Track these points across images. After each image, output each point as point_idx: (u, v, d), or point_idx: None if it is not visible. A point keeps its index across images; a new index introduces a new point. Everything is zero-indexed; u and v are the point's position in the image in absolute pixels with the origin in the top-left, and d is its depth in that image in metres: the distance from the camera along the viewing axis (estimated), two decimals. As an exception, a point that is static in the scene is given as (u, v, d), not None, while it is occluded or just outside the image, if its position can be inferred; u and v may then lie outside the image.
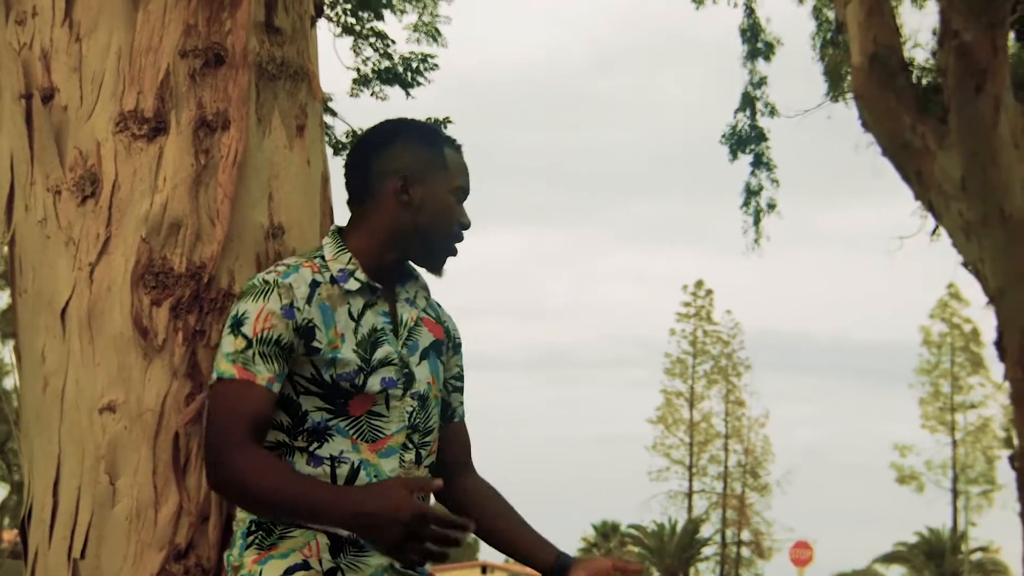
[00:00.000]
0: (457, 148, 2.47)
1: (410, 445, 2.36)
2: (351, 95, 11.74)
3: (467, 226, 2.42)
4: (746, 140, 14.45)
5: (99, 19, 2.66)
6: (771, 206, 14.60)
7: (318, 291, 2.32)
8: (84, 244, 2.56)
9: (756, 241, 14.83)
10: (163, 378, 2.50)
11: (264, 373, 2.24)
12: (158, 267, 2.54)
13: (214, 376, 2.29)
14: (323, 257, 2.39)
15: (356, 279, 2.36)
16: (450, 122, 11.68)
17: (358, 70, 11.67)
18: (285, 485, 2.18)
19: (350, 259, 2.37)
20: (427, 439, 2.41)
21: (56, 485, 2.52)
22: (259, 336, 2.25)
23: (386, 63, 11.50)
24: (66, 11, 2.66)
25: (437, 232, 2.40)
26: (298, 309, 2.28)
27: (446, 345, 2.53)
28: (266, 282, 2.30)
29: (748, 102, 14.57)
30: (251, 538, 2.30)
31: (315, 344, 2.29)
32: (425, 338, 2.45)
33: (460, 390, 2.60)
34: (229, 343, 2.28)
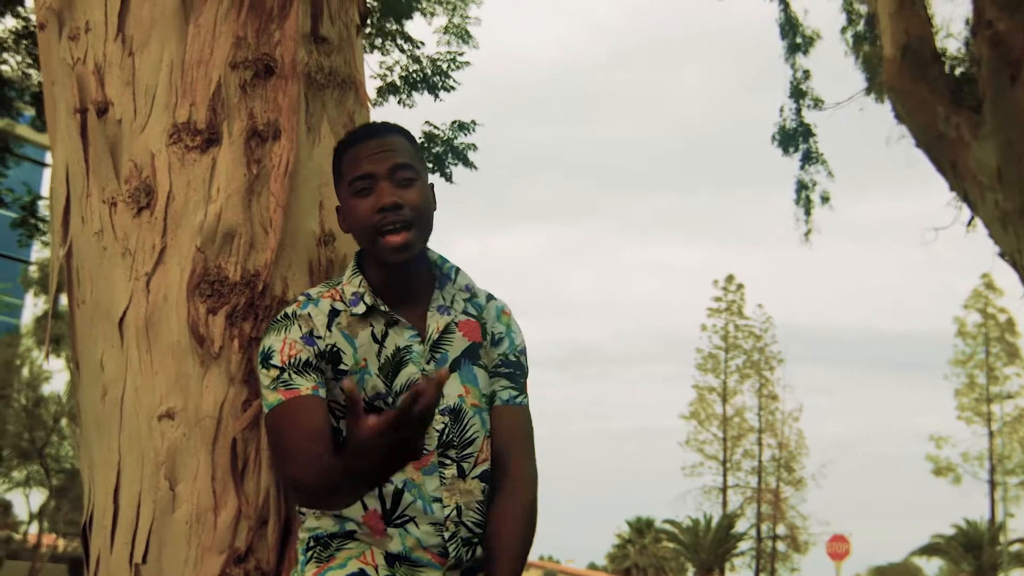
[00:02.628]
0: (354, 140, 2.40)
1: (448, 461, 2.35)
2: (374, 104, 11.75)
3: (386, 206, 2.30)
4: (794, 136, 14.39)
5: (151, 33, 2.70)
6: (824, 198, 14.53)
7: (337, 320, 2.33)
8: (140, 254, 2.61)
9: (807, 235, 14.76)
10: (220, 385, 2.54)
11: (306, 384, 2.26)
12: (213, 276, 2.58)
13: (265, 409, 2.30)
14: (341, 283, 2.40)
15: (364, 302, 2.36)
16: (476, 124, 11.69)
17: (383, 77, 11.68)
18: (336, 475, 2.05)
19: (361, 282, 2.38)
20: (468, 451, 2.37)
21: (116, 492, 2.56)
22: (288, 362, 2.28)
23: (415, 67, 11.50)
24: (119, 26, 2.71)
25: (361, 235, 2.36)
26: (319, 337, 2.30)
27: (485, 346, 2.47)
28: (286, 315, 2.33)
29: (798, 96, 14.49)
30: (310, 553, 2.33)
31: (342, 367, 2.30)
32: (457, 346, 2.41)
33: (507, 376, 2.48)
34: (265, 377, 2.30)
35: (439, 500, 2.32)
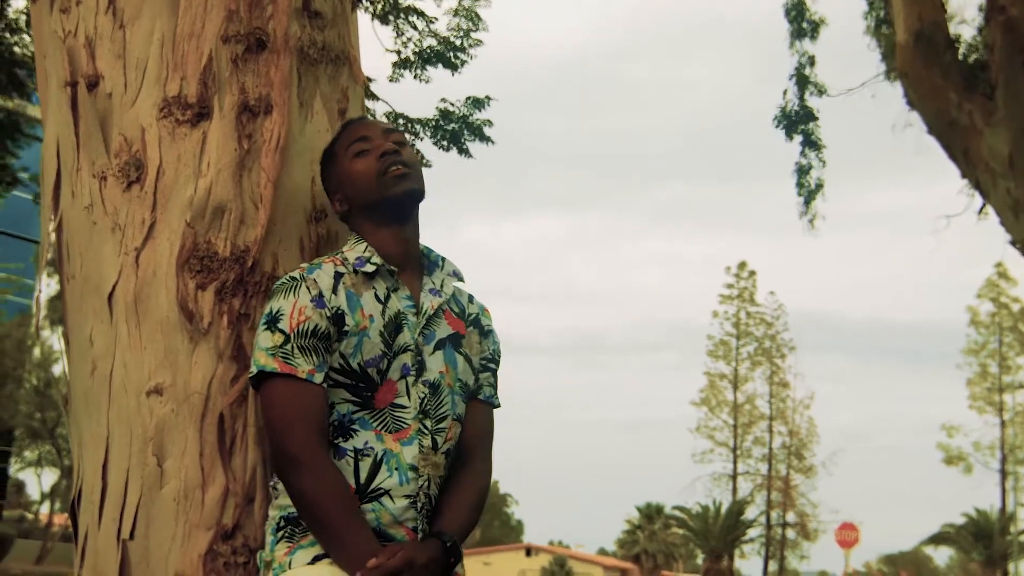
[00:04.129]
0: (352, 122, 2.62)
1: (425, 431, 2.41)
2: (391, 79, 11.72)
3: (387, 151, 2.49)
4: (797, 120, 14.31)
5: (142, 6, 2.68)
6: (819, 186, 14.45)
7: (342, 280, 2.41)
8: (130, 229, 2.59)
9: (811, 222, 14.67)
10: (209, 361, 2.53)
11: (304, 366, 2.32)
12: (203, 251, 2.56)
13: (253, 369, 2.35)
14: (342, 252, 2.49)
15: (372, 263, 2.45)
16: (490, 100, 11.66)
17: (398, 52, 11.65)
18: (328, 511, 2.26)
19: (366, 247, 2.48)
20: (441, 425, 2.44)
21: (105, 467, 2.55)
22: (296, 330, 2.33)
23: (429, 41, 11.46)
24: (110, -1, 2.68)
25: (366, 191, 2.49)
26: (327, 298, 2.37)
27: (468, 337, 2.56)
28: (293, 279, 2.39)
29: (802, 81, 14.40)
30: (280, 533, 2.36)
31: (345, 328, 2.37)
32: (443, 330, 2.50)
33: (491, 371, 2.61)
34: (267, 338, 2.35)
35: (415, 469, 2.37)
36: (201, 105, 2.62)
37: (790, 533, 56.51)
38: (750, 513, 56.18)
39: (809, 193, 14.44)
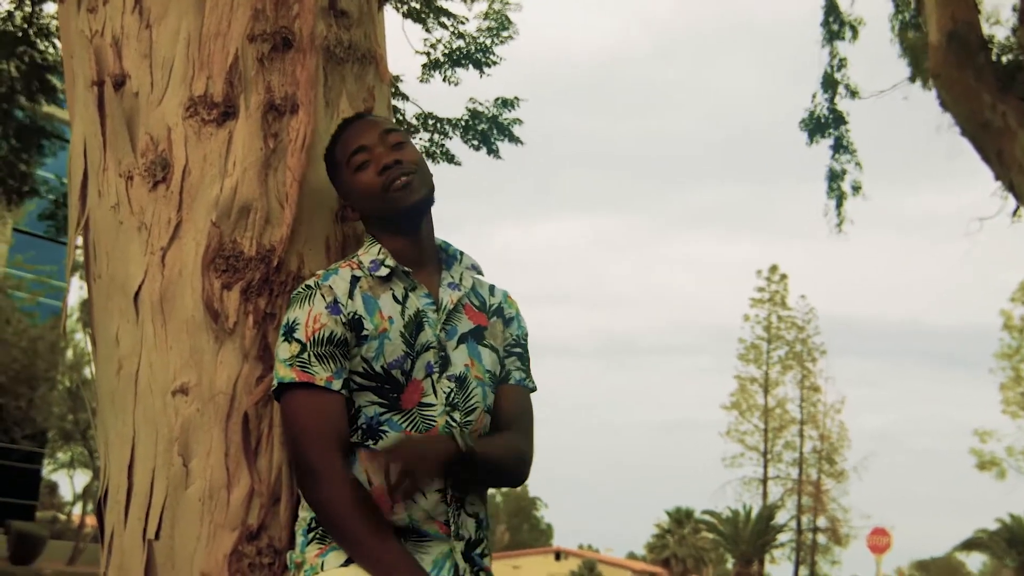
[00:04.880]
0: (343, 126, 2.55)
1: (453, 424, 2.39)
2: (421, 80, 11.72)
3: (387, 164, 2.44)
4: (825, 124, 14.21)
5: (169, 5, 2.68)
6: (855, 188, 14.34)
7: (358, 284, 2.40)
8: (156, 229, 2.59)
9: (839, 225, 14.59)
10: (234, 361, 2.52)
11: (322, 373, 2.32)
12: (228, 251, 2.55)
13: (275, 383, 2.36)
14: (358, 255, 2.49)
15: (386, 265, 2.44)
16: (519, 100, 11.65)
17: (428, 54, 11.65)
18: (352, 524, 2.25)
19: (380, 250, 2.47)
20: (469, 418, 2.42)
21: (131, 467, 2.55)
22: (312, 338, 2.33)
23: (459, 43, 11.46)
24: (136, -2, 2.68)
25: (373, 206, 2.48)
26: (342, 304, 2.36)
27: (491, 328, 2.54)
28: (308, 287, 2.40)
29: (831, 84, 14.31)
30: (311, 534, 2.36)
31: (364, 332, 2.36)
32: (464, 324, 2.49)
33: (516, 356, 2.58)
34: (285, 350, 2.36)
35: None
36: (227, 104, 2.61)
37: (821, 538, 56.18)
38: (780, 518, 55.93)
39: (839, 196, 14.34)
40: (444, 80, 11.48)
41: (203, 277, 2.55)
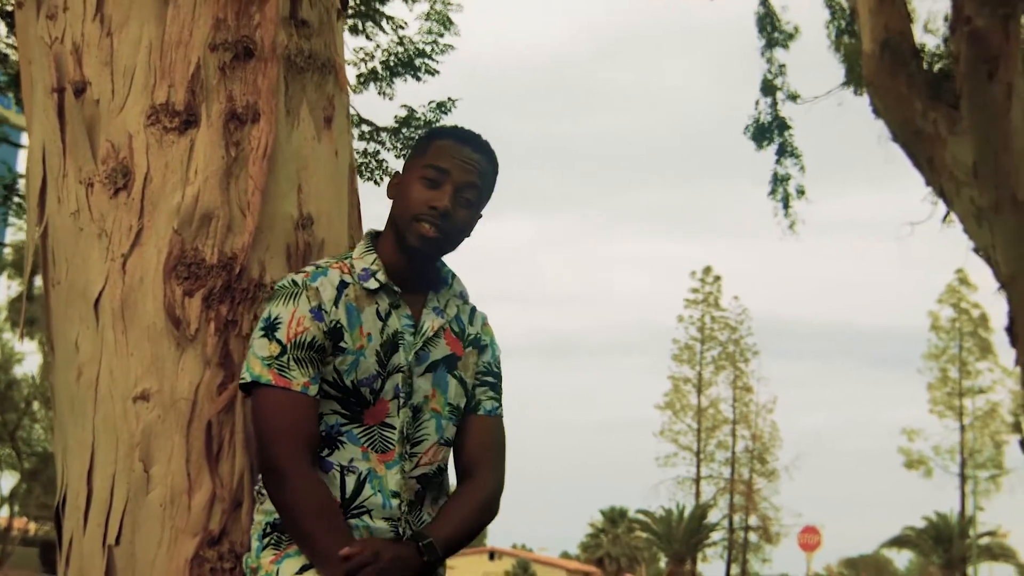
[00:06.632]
0: (455, 136, 2.48)
1: (405, 455, 2.41)
2: (355, 91, 11.59)
3: (437, 207, 2.38)
4: (768, 130, 14.44)
5: (130, 13, 2.69)
6: (800, 191, 14.58)
7: (345, 292, 2.39)
8: (117, 236, 2.60)
9: (791, 226, 14.83)
10: (196, 367, 2.54)
11: (299, 378, 2.31)
12: (190, 258, 2.57)
13: (246, 376, 2.34)
14: (352, 257, 2.46)
15: (376, 279, 2.42)
16: (454, 104, 11.64)
17: (365, 62, 11.57)
18: (314, 525, 2.26)
19: (375, 260, 2.44)
20: (415, 449, 2.42)
21: (90, 473, 2.55)
22: (293, 341, 2.32)
23: (398, 49, 11.42)
24: (97, 6, 2.70)
25: (401, 214, 2.43)
26: (326, 311, 2.35)
27: (464, 359, 2.53)
28: (295, 283, 2.37)
29: (770, 91, 14.53)
30: (267, 539, 2.37)
31: (342, 344, 2.36)
32: (439, 351, 2.48)
33: (488, 385, 2.57)
34: (263, 346, 2.33)
35: (397, 495, 2.38)
36: (189, 113, 2.63)
37: (752, 537, 56.80)
38: (713, 517, 56.44)
39: (785, 199, 14.56)
40: (380, 93, 11.42)
41: (165, 284, 2.56)
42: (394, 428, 2.39)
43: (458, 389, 2.50)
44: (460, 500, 2.47)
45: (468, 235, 2.48)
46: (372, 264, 2.44)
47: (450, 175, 2.41)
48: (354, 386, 2.36)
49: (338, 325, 2.35)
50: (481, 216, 2.50)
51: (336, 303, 2.36)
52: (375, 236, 2.51)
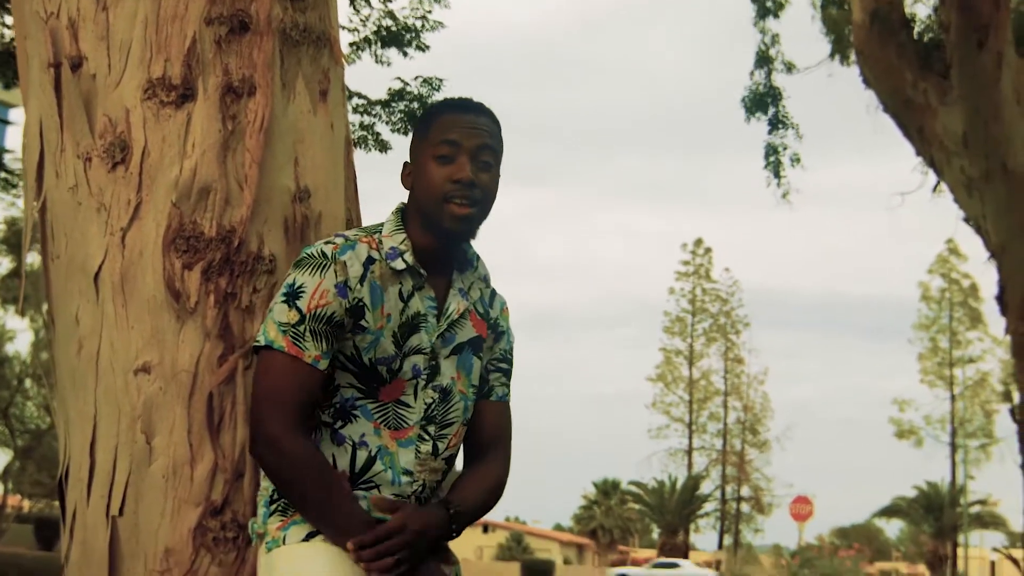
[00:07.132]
0: (453, 108, 2.47)
1: (426, 436, 2.41)
2: (348, 61, 11.62)
3: (461, 179, 2.37)
4: (763, 101, 14.42)
5: (125, -13, 2.69)
6: (795, 160, 14.55)
7: (371, 268, 2.37)
8: (115, 210, 2.61)
9: (784, 196, 14.82)
10: (196, 340, 2.56)
11: (312, 351, 2.30)
12: (189, 231, 2.59)
13: (261, 339, 2.34)
14: (380, 231, 2.44)
15: (404, 260, 2.40)
16: (441, 83, 11.63)
17: (356, 31, 11.57)
18: (310, 487, 2.27)
19: (404, 239, 2.42)
20: (445, 431, 2.44)
21: (93, 445, 2.58)
22: (313, 312, 2.31)
23: (388, 22, 11.41)
24: (92, -20, 2.70)
25: (426, 201, 2.41)
26: (351, 288, 2.34)
27: (488, 340, 2.55)
28: (324, 255, 2.35)
29: (765, 61, 14.51)
30: (274, 506, 2.37)
31: (363, 323, 2.35)
32: (465, 332, 2.48)
33: (502, 371, 2.59)
34: (282, 312, 2.32)
35: (410, 473, 2.39)
36: (185, 87, 2.64)
37: (744, 507, 57.16)
38: (705, 488, 56.79)
39: (776, 167, 14.55)
40: (375, 60, 11.42)
41: (164, 257, 2.58)
42: (410, 407, 2.39)
43: (479, 369, 2.52)
44: (476, 477, 2.49)
45: (495, 199, 2.46)
46: (401, 244, 2.41)
47: (461, 145, 2.39)
48: (372, 364, 2.35)
49: (361, 303, 2.34)
50: (500, 176, 2.48)
51: (361, 281, 2.34)
52: (403, 211, 2.48)
